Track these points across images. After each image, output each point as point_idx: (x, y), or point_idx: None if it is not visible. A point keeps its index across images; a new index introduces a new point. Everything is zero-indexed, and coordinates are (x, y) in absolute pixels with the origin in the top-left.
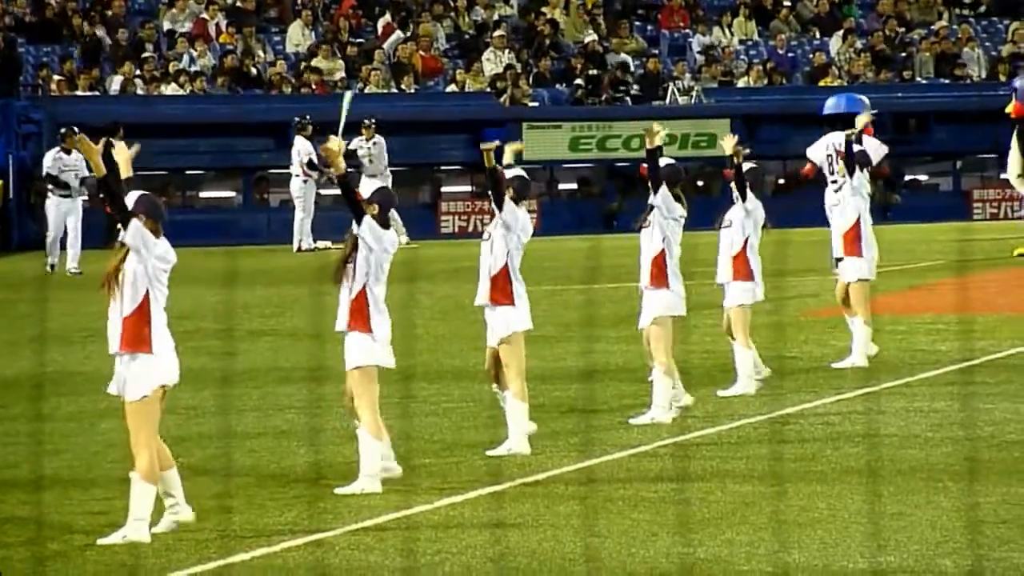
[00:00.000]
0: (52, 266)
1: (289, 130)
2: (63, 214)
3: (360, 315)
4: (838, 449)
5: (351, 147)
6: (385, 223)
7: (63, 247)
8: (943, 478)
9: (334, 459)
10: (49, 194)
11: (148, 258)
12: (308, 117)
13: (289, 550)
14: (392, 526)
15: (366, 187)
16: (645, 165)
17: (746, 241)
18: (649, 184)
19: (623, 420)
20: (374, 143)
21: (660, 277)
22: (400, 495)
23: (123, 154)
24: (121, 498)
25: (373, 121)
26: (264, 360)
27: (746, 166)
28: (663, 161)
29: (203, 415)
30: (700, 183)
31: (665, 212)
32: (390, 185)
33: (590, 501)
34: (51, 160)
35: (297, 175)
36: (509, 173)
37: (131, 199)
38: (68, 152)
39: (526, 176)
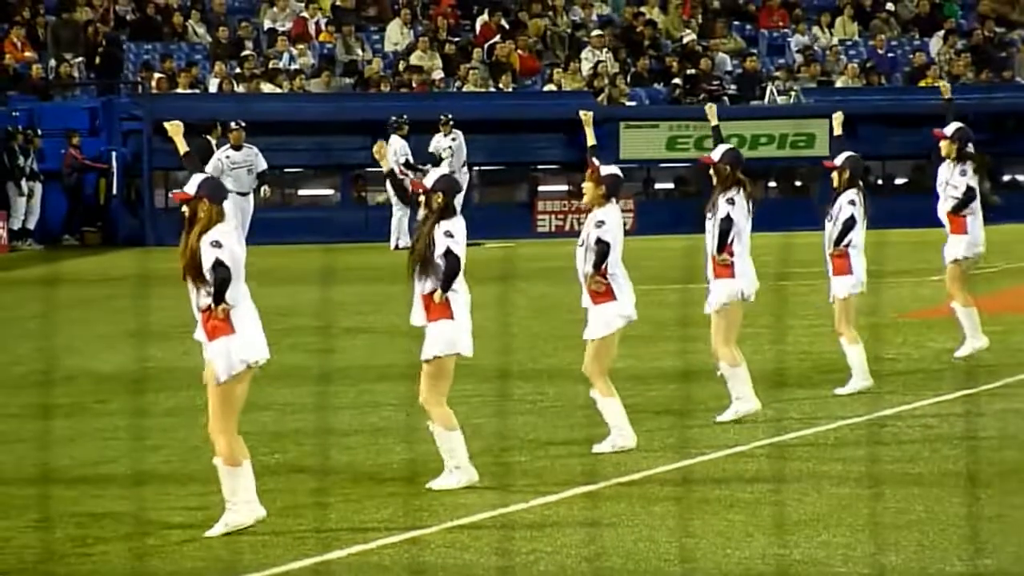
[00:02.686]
0: None
1: (386, 128)
2: (240, 212)
3: (443, 306)
4: (936, 451)
5: (431, 147)
6: (452, 210)
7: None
8: None
9: (429, 457)
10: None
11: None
12: (404, 116)
13: (385, 547)
14: (487, 524)
15: (430, 177)
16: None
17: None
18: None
19: (719, 420)
20: (453, 139)
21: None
22: (496, 494)
23: (176, 132)
24: (219, 493)
25: (450, 117)
26: (361, 357)
27: (846, 154)
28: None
29: (300, 411)
30: (798, 183)
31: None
32: (466, 183)
33: (685, 501)
34: (215, 161)
35: None
36: (604, 169)
37: (194, 183)
38: (237, 148)
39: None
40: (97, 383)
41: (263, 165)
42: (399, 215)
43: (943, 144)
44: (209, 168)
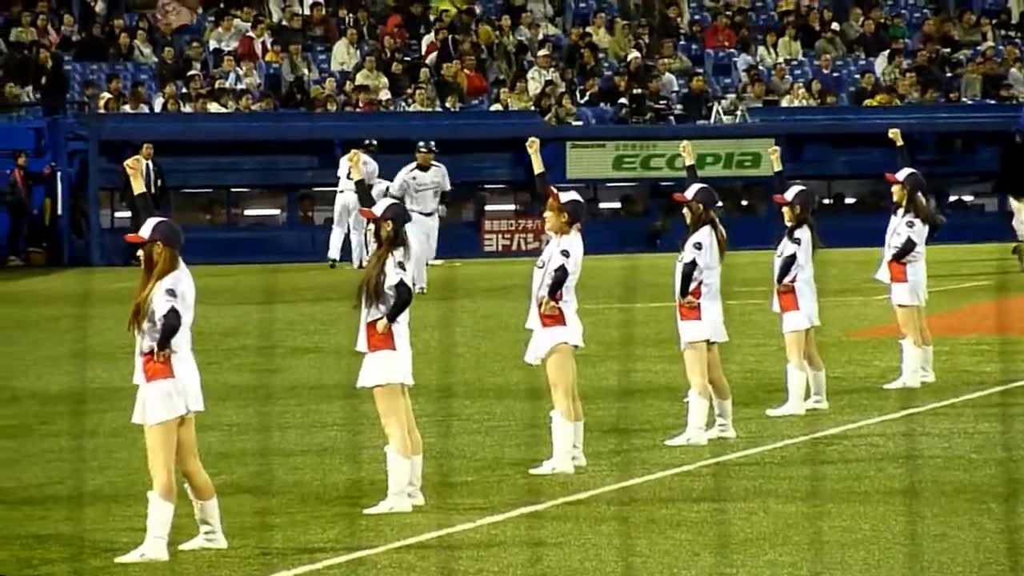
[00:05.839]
0: (422, 289)
1: (336, 148)
2: (422, 234)
3: (386, 336)
4: (881, 470)
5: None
6: (402, 238)
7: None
8: (986, 499)
9: (376, 477)
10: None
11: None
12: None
13: (331, 568)
14: (433, 544)
15: (379, 206)
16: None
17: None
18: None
19: (665, 439)
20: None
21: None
22: (441, 513)
23: (136, 173)
24: None
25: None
26: (307, 377)
27: (795, 188)
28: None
29: (246, 432)
30: (743, 202)
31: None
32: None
33: (631, 521)
34: (400, 180)
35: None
36: (564, 196)
37: (149, 226)
38: (424, 169)
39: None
40: (42, 404)
41: (448, 186)
42: (338, 231)
43: (895, 189)
44: (394, 186)
